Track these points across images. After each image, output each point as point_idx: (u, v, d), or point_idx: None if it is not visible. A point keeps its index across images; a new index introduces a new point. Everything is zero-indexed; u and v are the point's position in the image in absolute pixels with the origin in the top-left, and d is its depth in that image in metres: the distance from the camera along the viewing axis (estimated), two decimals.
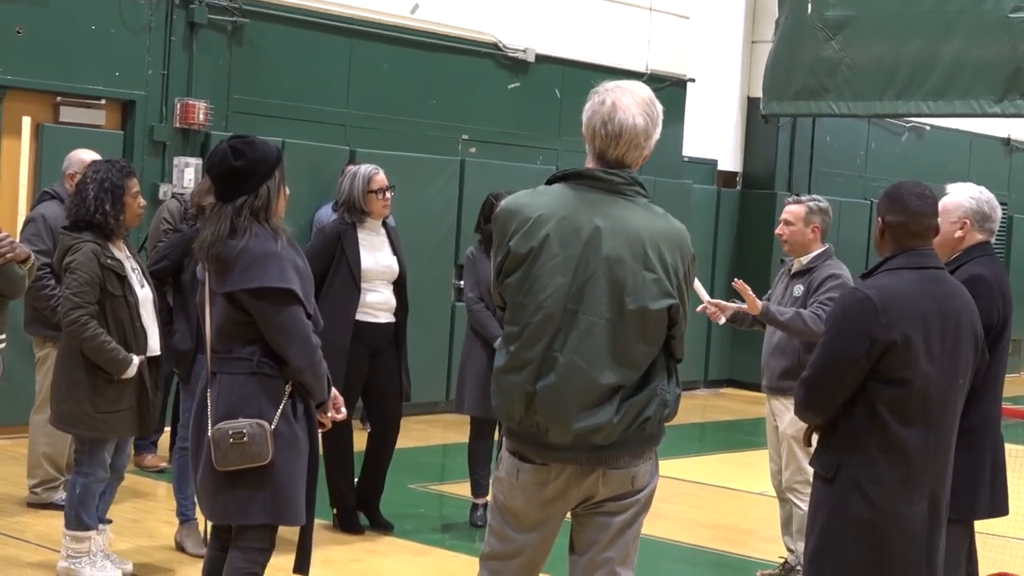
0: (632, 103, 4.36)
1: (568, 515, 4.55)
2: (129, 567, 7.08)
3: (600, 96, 4.41)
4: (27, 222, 8.25)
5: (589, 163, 4.46)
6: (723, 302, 7.53)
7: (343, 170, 8.62)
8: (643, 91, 4.44)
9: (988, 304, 5.51)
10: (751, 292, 7.19)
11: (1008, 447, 5.96)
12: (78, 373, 6.66)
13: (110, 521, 7.16)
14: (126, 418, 6.73)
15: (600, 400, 4.29)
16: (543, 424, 4.33)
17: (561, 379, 4.30)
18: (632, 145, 4.37)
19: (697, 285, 7.34)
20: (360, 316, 8.05)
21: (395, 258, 8.25)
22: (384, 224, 8.29)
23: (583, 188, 4.39)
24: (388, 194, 8.19)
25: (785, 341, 7.33)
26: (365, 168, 8.21)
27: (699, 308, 7.35)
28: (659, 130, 4.42)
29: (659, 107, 4.44)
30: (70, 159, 8.14)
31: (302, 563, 5.34)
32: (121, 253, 6.82)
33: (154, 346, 6.87)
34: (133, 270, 6.85)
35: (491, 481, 4.93)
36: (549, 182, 4.48)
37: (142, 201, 6.99)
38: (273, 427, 5.07)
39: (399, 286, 8.27)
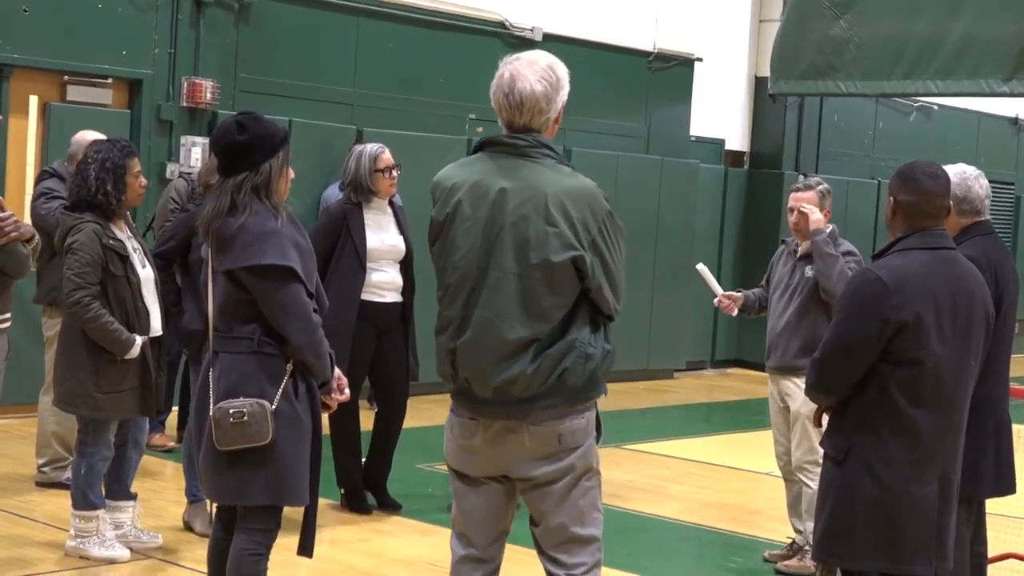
0: (529, 72, 4.54)
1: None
2: (159, 540, 7.14)
3: (500, 70, 4.62)
4: (38, 195, 8.16)
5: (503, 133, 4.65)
6: (733, 293, 7.69)
7: (350, 149, 8.60)
8: (542, 59, 4.61)
9: None
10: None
11: (1018, 428, 5.95)
12: (80, 354, 6.66)
13: (135, 495, 7.17)
14: (129, 398, 6.73)
15: (515, 352, 4.45)
16: (469, 380, 4.52)
17: (476, 334, 4.49)
18: (536, 111, 4.54)
19: (710, 279, 7.50)
20: (366, 296, 8.04)
21: (401, 237, 8.23)
22: (391, 203, 8.28)
23: (494, 155, 4.60)
24: (394, 173, 8.17)
25: (796, 320, 7.32)
26: (371, 147, 8.19)
27: (715, 301, 7.64)
28: (563, 92, 4.59)
29: (560, 71, 4.59)
30: (77, 143, 8.00)
31: (306, 545, 5.32)
32: (123, 233, 6.81)
33: (156, 326, 6.87)
34: (135, 250, 6.84)
35: None
36: (472, 153, 4.70)
37: (143, 181, 6.98)
38: (274, 407, 5.04)
39: (406, 265, 8.26)
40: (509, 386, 4.45)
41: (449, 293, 4.54)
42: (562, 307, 4.47)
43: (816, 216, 7.26)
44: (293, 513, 5.40)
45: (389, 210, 8.24)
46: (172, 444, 9.46)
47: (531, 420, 4.50)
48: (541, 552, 4.67)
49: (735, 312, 7.68)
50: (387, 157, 8.14)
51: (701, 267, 7.64)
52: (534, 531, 4.67)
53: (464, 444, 4.65)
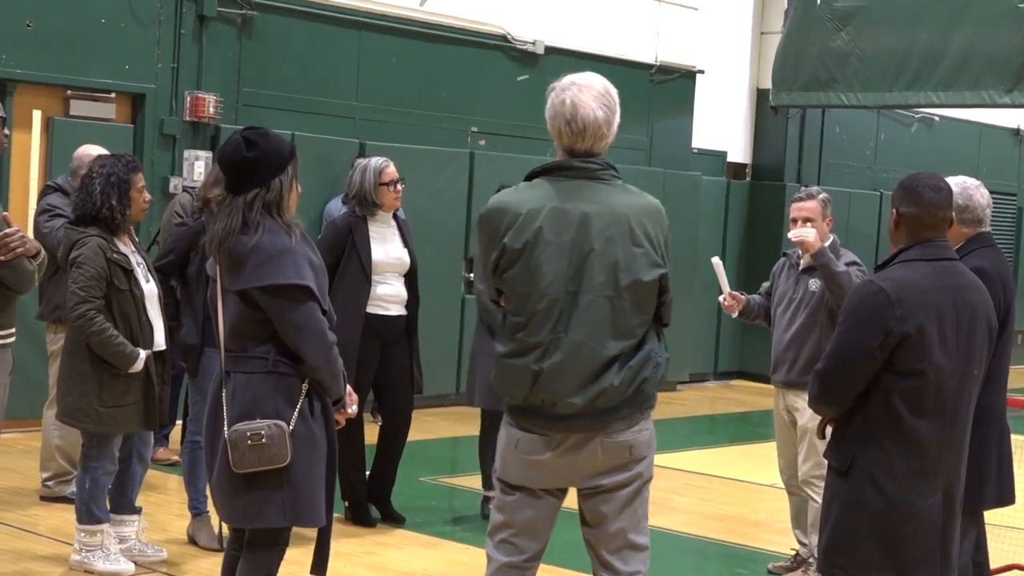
0: (590, 98, 4.67)
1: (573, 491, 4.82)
2: (164, 554, 7.16)
3: (559, 96, 4.70)
4: (41, 211, 8.18)
5: (560, 157, 4.75)
6: (739, 295, 7.65)
7: (353, 163, 8.63)
8: (599, 83, 4.73)
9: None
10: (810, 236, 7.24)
11: (1016, 438, 5.96)
12: (84, 367, 6.67)
13: (140, 509, 7.18)
14: (132, 412, 6.74)
15: (604, 370, 4.60)
16: (548, 400, 4.61)
17: (567, 356, 4.59)
18: (597, 136, 4.68)
19: (721, 276, 7.48)
20: (371, 308, 8.06)
21: (405, 250, 8.25)
22: (394, 216, 8.30)
23: (563, 179, 4.68)
24: (399, 186, 8.20)
25: (802, 334, 7.31)
26: (375, 161, 8.22)
27: (720, 298, 7.62)
28: (618, 115, 4.73)
29: (614, 94, 4.73)
30: (80, 158, 8.02)
31: (320, 564, 5.27)
32: (127, 247, 6.83)
33: (160, 340, 6.88)
34: (139, 264, 6.85)
35: None
36: (528, 178, 4.76)
37: (147, 195, 7.00)
38: (291, 428, 4.96)
39: (410, 278, 8.28)
40: (595, 400, 4.59)
41: (537, 319, 4.61)
42: (646, 323, 4.68)
43: (812, 238, 7.21)
44: (301, 528, 5.39)
45: (393, 223, 8.27)
46: (176, 458, 9.45)
47: (607, 432, 4.64)
48: (595, 555, 4.80)
49: (735, 314, 7.68)
50: (392, 171, 8.18)
51: (716, 261, 7.62)
52: (587, 532, 4.81)
53: (531, 459, 4.72)
